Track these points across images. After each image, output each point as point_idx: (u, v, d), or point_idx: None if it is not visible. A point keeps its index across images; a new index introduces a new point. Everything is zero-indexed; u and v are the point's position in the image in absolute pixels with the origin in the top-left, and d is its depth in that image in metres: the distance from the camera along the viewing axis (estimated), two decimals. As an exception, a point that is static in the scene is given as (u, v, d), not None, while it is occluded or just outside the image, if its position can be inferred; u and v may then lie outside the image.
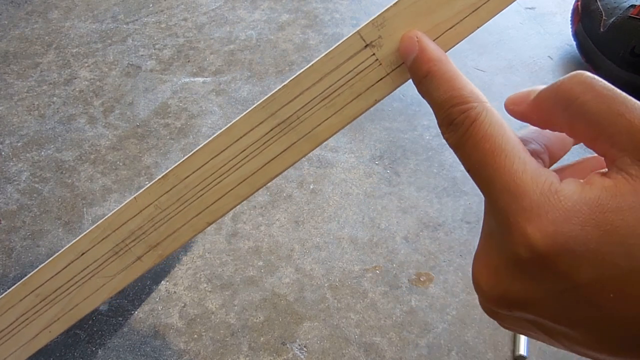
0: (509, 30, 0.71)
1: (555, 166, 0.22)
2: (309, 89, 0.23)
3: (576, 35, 0.66)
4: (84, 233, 0.25)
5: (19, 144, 0.58)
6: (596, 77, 0.18)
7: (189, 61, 0.67)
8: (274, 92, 0.23)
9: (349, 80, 0.23)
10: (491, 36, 0.70)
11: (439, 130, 0.21)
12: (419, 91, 0.22)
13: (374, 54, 0.22)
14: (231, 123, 0.24)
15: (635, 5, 0.60)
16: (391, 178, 0.56)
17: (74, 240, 0.25)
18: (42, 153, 0.58)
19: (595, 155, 0.19)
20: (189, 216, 0.24)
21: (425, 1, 0.22)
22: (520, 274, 0.18)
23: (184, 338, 0.45)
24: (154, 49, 0.69)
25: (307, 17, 0.73)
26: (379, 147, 0.58)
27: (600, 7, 0.63)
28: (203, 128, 0.60)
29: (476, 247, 0.20)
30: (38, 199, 0.54)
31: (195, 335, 0.45)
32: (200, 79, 0.65)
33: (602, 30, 0.62)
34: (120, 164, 0.57)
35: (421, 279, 0.48)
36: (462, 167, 0.56)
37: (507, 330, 0.45)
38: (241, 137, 0.23)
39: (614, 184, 0.17)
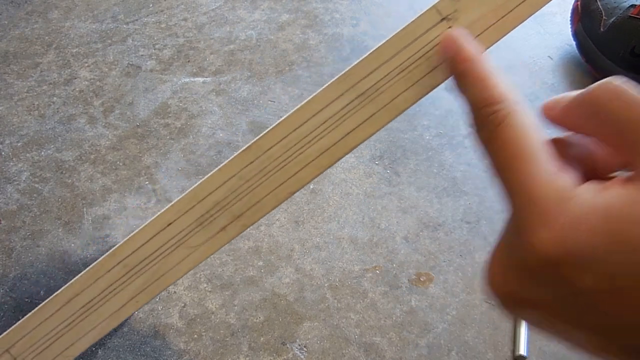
0: (509, 30, 0.71)
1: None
2: (387, 62, 0.23)
3: (576, 35, 0.66)
4: (170, 204, 0.25)
5: (19, 144, 0.58)
6: (627, 84, 0.18)
7: (189, 61, 0.67)
8: (352, 65, 0.24)
9: (425, 53, 0.23)
10: (491, 36, 0.70)
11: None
12: (457, 89, 0.23)
13: (450, 27, 0.23)
14: (312, 96, 0.24)
15: (635, 5, 0.60)
16: (391, 178, 0.56)
17: (160, 212, 0.25)
18: (42, 153, 0.58)
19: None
20: (272, 187, 0.25)
21: None
22: (528, 277, 0.18)
23: (184, 338, 0.45)
24: (154, 49, 0.69)
25: (307, 17, 0.73)
26: (379, 147, 0.58)
27: (600, 6, 0.63)
28: (203, 128, 0.60)
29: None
30: (38, 199, 0.54)
31: (195, 335, 0.45)
32: (200, 79, 0.65)
33: (602, 30, 0.62)
34: (120, 164, 0.57)
35: (421, 279, 0.48)
36: (462, 167, 0.56)
37: (507, 330, 0.45)
38: (322, 109, 0.24)
39: (629, 193, 0.17)
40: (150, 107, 0.62)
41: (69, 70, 0.66)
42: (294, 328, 0.45)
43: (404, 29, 0.23)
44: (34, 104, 0.62)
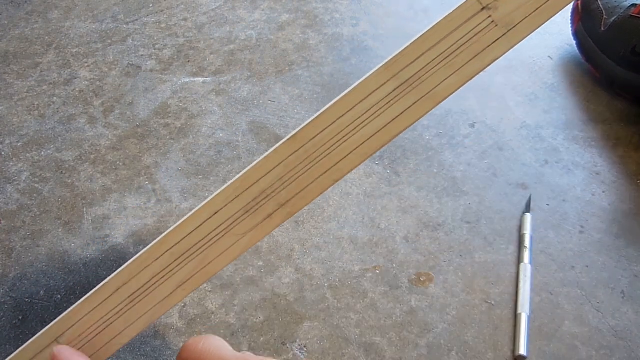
0: (509, 29, 0.71)
1: None
2: (429, 50, 0.24)
3: (576, 34, 0.66)
4: (217, 192, 0.26)
5: (19, 144, 0.58)
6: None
7: (189, 61, 0.67)
8: (395, 54, 0.24)
9: (467, 42, 0.24)
10: (491, 36, 0.70)
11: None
12: None
13: (490, 16, 0.24)
14: (356, 84, 0.25)
15: (636, 4, 0.60)
16: (391, 178, 0.56)
17: (207, 200, 0.26)
18: (42, 153, 0.58)
19: None
20: (317, 174, 0.25)
21: None
22: None
23: (184, 338, 0.45)
24: (154, 49, 0.69)
25: (307, 17, 0.73)
26: (379, 147, 0.58)
27: (600, 6, 0.63)
28: (203, 128, 0.60)
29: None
30: (38, 199, 0.54)
31: (196, 335, 0.45)
32: (200, 79, 0.65)
33: (602, 29, 0.62)
34: (120, 164, 0.57)
35: (421, 279, 0.48)
36: (462, 167, 0.56)
37: (507, 330, 0.45)
38: (365, 98, 0.25)
39: None
40: (150, 107, 0.62)
41: (69, 70, 0.66)
42: (294, 328, 0.45)
43: (445, 18, 0.24)
44: (34, 104, 0.62)
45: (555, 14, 0.24)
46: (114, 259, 0.50)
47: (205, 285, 0.48)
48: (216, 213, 0.26)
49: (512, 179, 0.56)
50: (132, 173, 0.56)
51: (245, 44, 0.69)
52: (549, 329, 0.45)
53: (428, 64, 0.24)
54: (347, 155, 0.25)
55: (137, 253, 0.27)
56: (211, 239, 0.26)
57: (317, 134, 0.25)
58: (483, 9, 0.23)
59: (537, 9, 0.24)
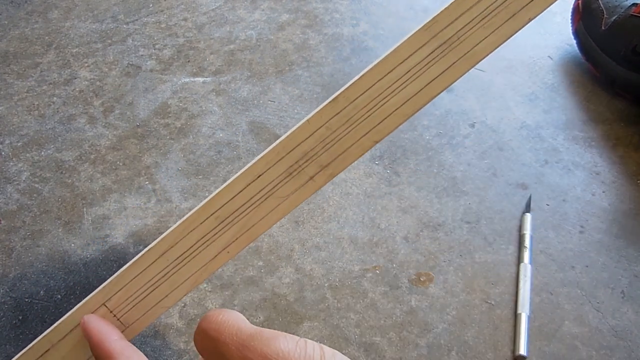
0: (509, 29, 0.71)
1: None
2: (469, 10, 0.24)
3: (576, 33, 0.66)
4: (259, 156, 0.26)
5: (19, 144, 0.58)
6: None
7: (189, 61, 0.67)
8: (435, 14, 0.25)
9: (505, 1, 0.24)
10: (491, 36, 0.70)
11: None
12: None
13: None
14: (396, 46, 0.25)
15: (637, 4, 0.60)
16: (391, 178, 0.56)
17: (249, 164, 0.26)
18: (42, 153, 0.58)
19: None
20: (358, 136, 0.26)
21: None
22: None
23: (184, 338, 0.45)
24: (154, 49, 0.69)
25: (307, 17, 0.73)
26: (379, 147, 0.58)
27: (601, 5, 0.63)
28: (203, 128, 0.60)
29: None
30: (38, 199, 0.54)
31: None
32: (200, 79, 0.65)
33: (603, 28, 0.62)
34: (120, 164, 0.57)
35: (421, 279, 0.48)
36: (462, 167, 0.56)
37: (507, 330, 0.45)
38: (406, 59, 0.25)
39: None
40: (150, 107, 0.62)
41: (69, 70, 0.66)
42: (294, 328, 0.45)
43: None
44: (34, 104, 0.62)
45: None
46: (114, 259, 0.50)
47: (205, 285, 0.48)
48: (259, 177, 0.26)
49: (512, 179, 0.55)
50: (132, 173, 0.56)
51: (245, 44, 0.69)
52: (549, 329, 0.45)
53: (467, 24, 0.24)
54: (387, 116, 0.25)
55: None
56: (254, 203, 0.26)
57: (358, 96, 0.25)
58: None
59: None
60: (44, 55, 0.68)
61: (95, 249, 0.50)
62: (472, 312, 0.46)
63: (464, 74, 0.25)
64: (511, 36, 0.25)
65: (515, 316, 0.46)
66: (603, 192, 0.55)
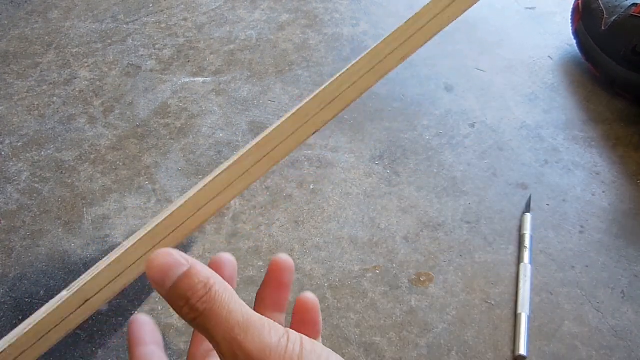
0: (509, 30, 0.71)
1: None
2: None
3: (576, 33, 0.66)
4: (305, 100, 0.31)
5: (19, 144, 0.58)
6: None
7: (189, 61, 0.67)
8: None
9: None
10: (491, 36, 0.70)
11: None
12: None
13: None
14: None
15: (637, 4, 0.60)
16: (391, 178, 0.56)
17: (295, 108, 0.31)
18: (42, 153, 0.58)
19: None
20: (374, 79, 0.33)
21: None
22: None
23: (184, 338, 0.45)
24: (154, 49, 0.69)
25: (307, 17, 0.73)
26: (379, 147, 0.58)
27: (601, 5, 0.63)
28: (203, 128, 0.60)
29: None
30: (38, 199, 0.54)
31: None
32: (200, 79, 0.65)
33: (603, 28, 0.62)
34: (120, 164, 0.57)
35: (421, 279, 0.48)
36: (462, 167, 0.56)
37: (507, 330, 0.45)
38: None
39: None
40: (150, 107, 0.62)
41: (69, 70, 0.66)
42: (294, 328, 0.45)
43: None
44: (34, 104, 0.62)
45: None
46: (114, 259, 0.50)
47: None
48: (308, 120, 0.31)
49: (512, 179, 0.55)
50: (132, 173, 0.56)
51: (245, 44, 0.69)
52: (549, 329, 0.45)
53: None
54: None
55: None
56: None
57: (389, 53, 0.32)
58: None
59: None
60: (44, 55, 0.68)
61: (95, 249, 0.50)
62: (472, 312, 0.46)
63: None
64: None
65: (515, 316, 0.46)
66: (603, 192, 0.55)
